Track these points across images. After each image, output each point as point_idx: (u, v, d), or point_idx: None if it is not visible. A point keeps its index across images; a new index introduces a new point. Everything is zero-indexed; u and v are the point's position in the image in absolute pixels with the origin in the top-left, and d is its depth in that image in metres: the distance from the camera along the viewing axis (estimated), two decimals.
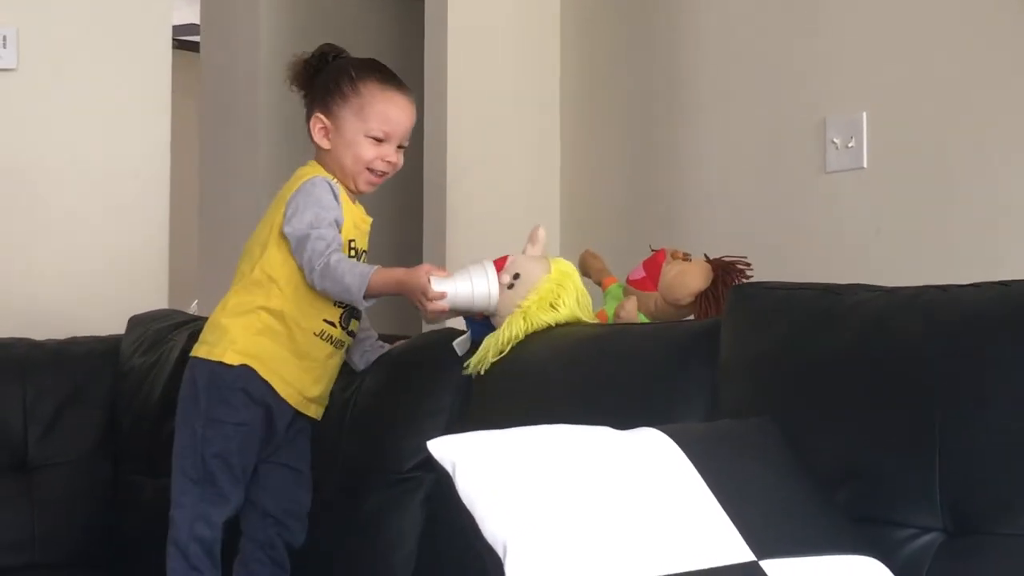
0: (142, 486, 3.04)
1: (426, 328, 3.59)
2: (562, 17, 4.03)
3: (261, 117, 4.37)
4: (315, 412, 2.64)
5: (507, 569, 1.67)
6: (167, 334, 3.18)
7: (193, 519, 2.50)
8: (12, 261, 3.64)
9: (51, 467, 3.12)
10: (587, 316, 2.57)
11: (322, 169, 2.61)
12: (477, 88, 3.90)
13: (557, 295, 2.52)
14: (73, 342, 3.29)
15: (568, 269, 2.57)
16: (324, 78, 2.65)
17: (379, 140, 2.61)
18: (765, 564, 1.70)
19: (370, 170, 2.62)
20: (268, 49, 4.43)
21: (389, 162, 2.62)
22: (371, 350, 2.77)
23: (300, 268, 2.51)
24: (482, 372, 2.52)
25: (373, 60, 2.71)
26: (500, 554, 1.69)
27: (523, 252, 2.60)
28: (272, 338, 2.55)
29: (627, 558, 1.67)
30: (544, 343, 2.49)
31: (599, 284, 2.95)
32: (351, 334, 2.65)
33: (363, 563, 2.56)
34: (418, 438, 2.38)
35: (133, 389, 3.13)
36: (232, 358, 2.53)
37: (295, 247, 2.51)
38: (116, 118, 3.80)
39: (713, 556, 1.70)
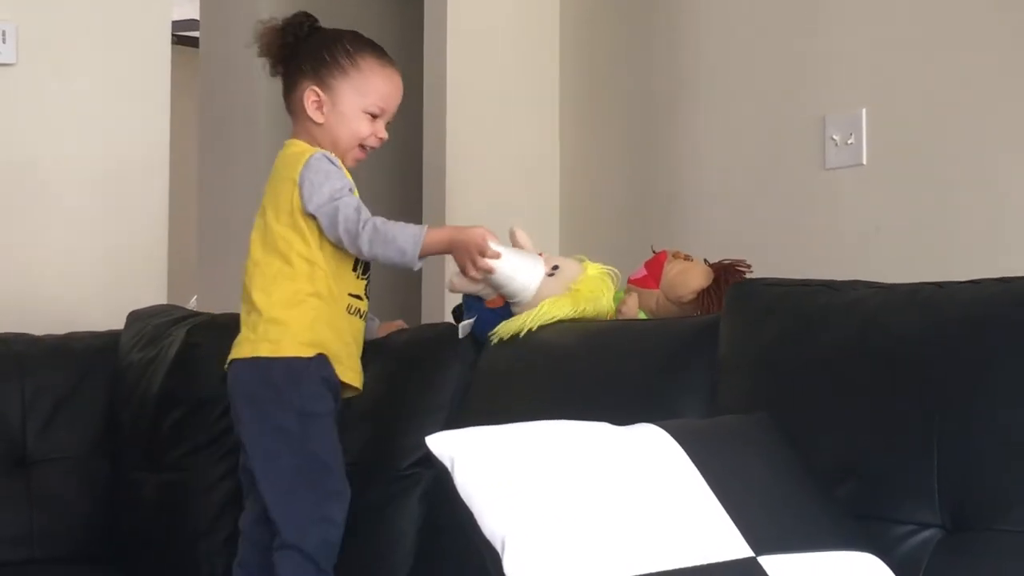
0: (141, 482, 3.03)
1: (425, 316, 3.61)
2: (561, 16, 4.03)
3: (260, 113, 4.37)
4: (361, 385, 2.61)
5: (505, 564, 1.67)
6: (166, 329, 3.17)
7: (317, 521, 2.42)
8: (11, 256, 3.64)
9: (50, 463, 3.11)
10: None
11: (305, 144, 2.57)
12: (476, 87, 3.90)
13: (601, 289, 2.56)
14: (72, 337, 3.28)
15: (604, 269, 2.61)
16: (314, 49, 2.60)
17: (374, 116, 2.60)
18: (763, 560, 1.71)
19: (361, 146, 2.61)
20: None
21: (380, 138, 2.62)
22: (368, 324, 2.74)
23: (337, 242, 2.47)
24: (509, 337, 2.51)
25: (359, 33, 2.69)
26: (498, 549, 1.69)
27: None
28: (327, 324, 2.50)
29: (625, 554, 1.67)
30: (544, 339, 2.49)
31: None
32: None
33: (362, 560, 2.56)
34: (417, 435, 2.38)
35: (132, 384, 3.13)
36: (306, 351, 2.47)
37: (327, 223, 2.46)
38: (115, 113, 3.80)
39: (711, 552, 1.70)
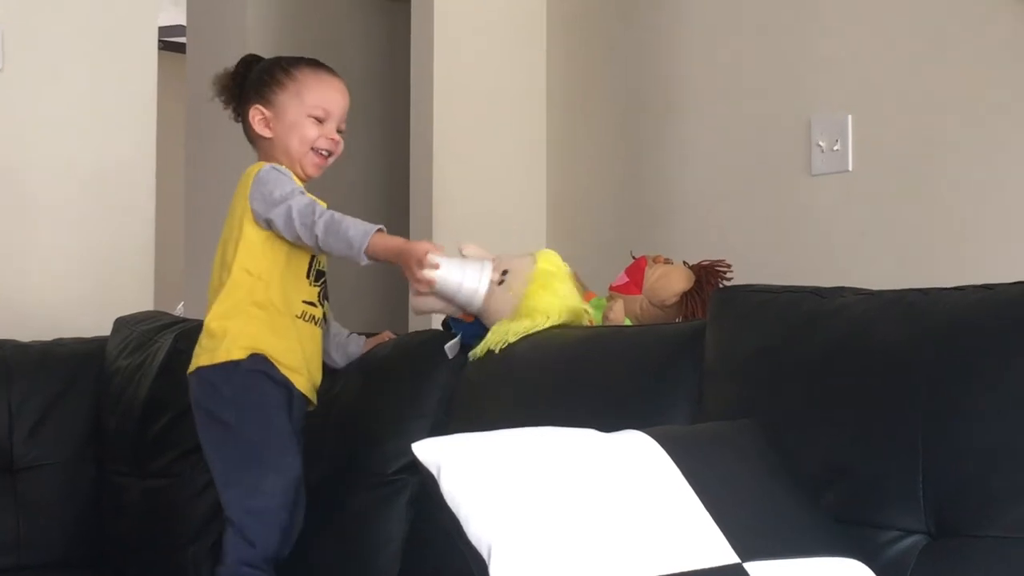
0: (128, 488, 3.03)
1: (412, 328, 3.60)
2: (548, 17, 4.03)
3: None
4: (315, 399, 2.66)
5: (491, 571, 1.68)
6: (153, 336, 3.18)
7: (244, 496, 2.50)
8: None
9: (36, 468, 3.10)
10: (579, 299, 2.58)
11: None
12: (463, 87, 3.90)
13: (551, 297, 2.52)
14: (59, 344, 3.28)
15: (553, 258, 2.56)
16: (255, 76, 2.70)
17: (319, 120, 2.65)
18: (749, 566, 1.71)
19: (314, 150, 2.65)
20: (254, 50, 4.36)
21: (332, 140, 2.66)
22: (350, 344, 2.78)
23: (295, 239, 2.51)
24: (487, 353, 2.52)
25: (293, 55, 2.77)
26: (484, 556, 1.70)
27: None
28: (270, 330, 2.56)
29: (611, 560, 1.67)
30: (530, 345, 2.49)
31: None
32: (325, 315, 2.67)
33: (348, 566, 2.56)
34: (403, 441, 2.38)
35: (119, 391, 3.13)
36: (240, 353, 2.54)
37: (283, 223, 2.51)
38: (102, 119, 3.79)
39: (697, 558, 1.70)
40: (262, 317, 2.56)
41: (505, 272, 2.53)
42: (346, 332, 2.80)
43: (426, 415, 2.56)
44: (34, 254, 3.68)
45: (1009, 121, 2.92)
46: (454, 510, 1.75)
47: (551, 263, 2.54)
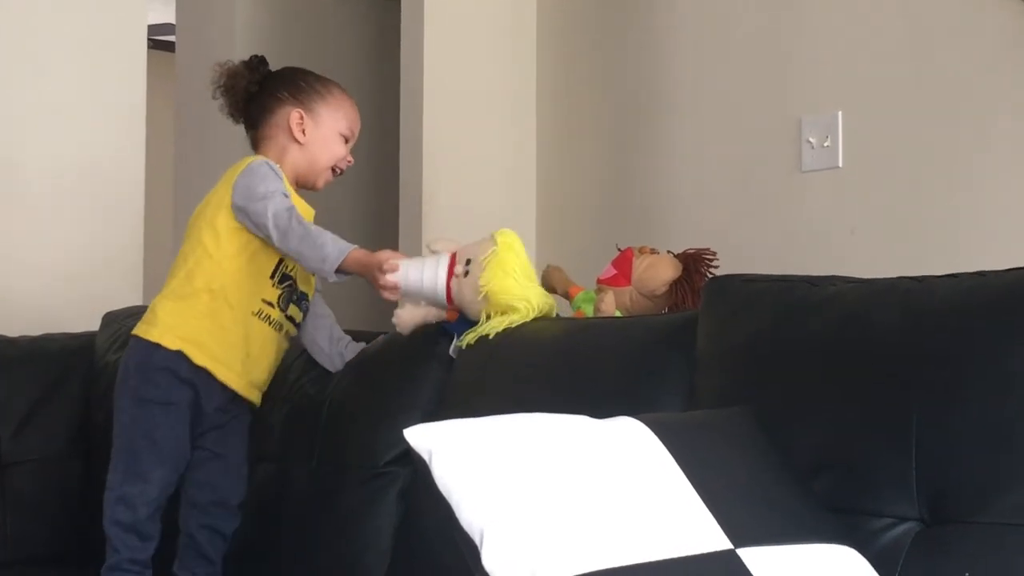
0: None
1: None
2: (538, 16, 4.03)
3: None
4: (256, 398, 2.67)
5: (483, 556, 1.67)
6: None
7: (114, 502, 2.55)
8: None
9: (24, 464, 3.10)
10: (533, 279, 2.57)
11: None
12: (453, 87, 3.90)
13: (506, 279, 2.50)
14: (47, 339, 3.28)
15: (509, 239, 2.54)
16: (289, 78, 2.73)
17: (346, 140, 2.72)
18: (742, 552, 1.70)
19: (333, 169, 2.71)
20: (243, 49, 4.41)
21: (349, 162, 2.73)
22: (347, 351, 2.78)
23: (265, 236, 2.53)
24: (486, 336, 2.52)
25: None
26: (477, 541, 1.69)
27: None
28: (213, 320, 2.57)
29: (604, 546, 1.67)
30: (523, 336, 2.48)
31: (565, 296, 2.95)
32: (291, 320, 2.66)
33: (338, 559, 2.55)
34: (394, 433, 2.36)
35: (107, 386, 3.09)
36: (170, 342, 2.56)
37: (255, 215, 2.52)
38: (91, 117, 3.79)
39: (690, 544, 1.69)
40: (211, 305, 2.57)
41: (468, 262, 2.53)
42: (347, 339, 2.80)
43: (417, 408, 2.56)
44: (24, 250, 3.67)
45: (996, 117, 2.92)
46: (446, 496, 1.74)
47: (506, 242, 2.53)
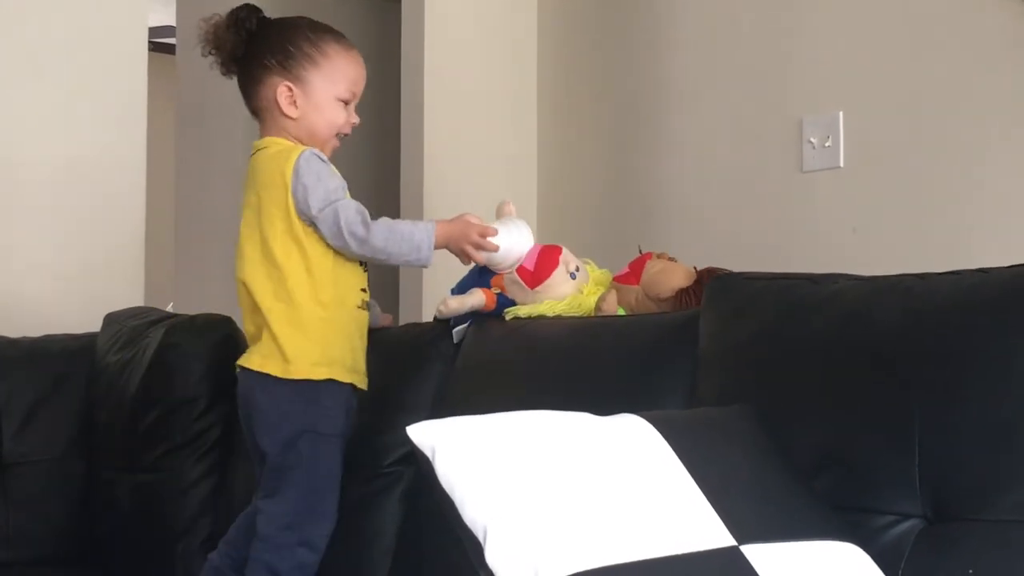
0: (118, 483, 3.02)
1: (403, 317, 3.60)
2: (539, 15, 4.03)
3: (237, 118, 4.32)
4: (365, 383, 2.55)
5: (487, 553, 1.67)
6: (143, 331, 3.16)
7: (295, 545, 2.39)
8: None
9: (26, 464, 3.09)
10: None
11: (286, 142, 2.50)
12: (454, 87, 3.90)
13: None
14: (48, 339, 3.27)
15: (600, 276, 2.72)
16: (274, 41, 2.51)
17: (346, 102, 2.54)
18: (746, 549, 1.71)
19: (336, 135, 2.55)
20: None
21: (353, 124, 2.56)
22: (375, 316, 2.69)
23: (342, 247, 2.39)
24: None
25: (313, 19, 2.60)
26: (480, 538, 1.69)
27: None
28: (336, 332, 2.44)
29: (607, 543, 1.67)
30: (524, 334, 2.49)
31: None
32: None
33: (342, 558, 2.55)
34: (397, 433, 2.34)
35: (109, 386, 3.11)
36: (316, 372, 2.41)
37: (328, 230, 2.38)
38: (93, 118, 3.79)
39: (694, 541, 1.70)
40: (327, 319, 2.43)
41: (577, 268, 2.63)
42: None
43: (421, 407, 2.55)
44: (24, 250, 3.67)
45: (997, 116, 2.93)
46: (449, 493, 1.75)
47: (601, 275, 2.72)
